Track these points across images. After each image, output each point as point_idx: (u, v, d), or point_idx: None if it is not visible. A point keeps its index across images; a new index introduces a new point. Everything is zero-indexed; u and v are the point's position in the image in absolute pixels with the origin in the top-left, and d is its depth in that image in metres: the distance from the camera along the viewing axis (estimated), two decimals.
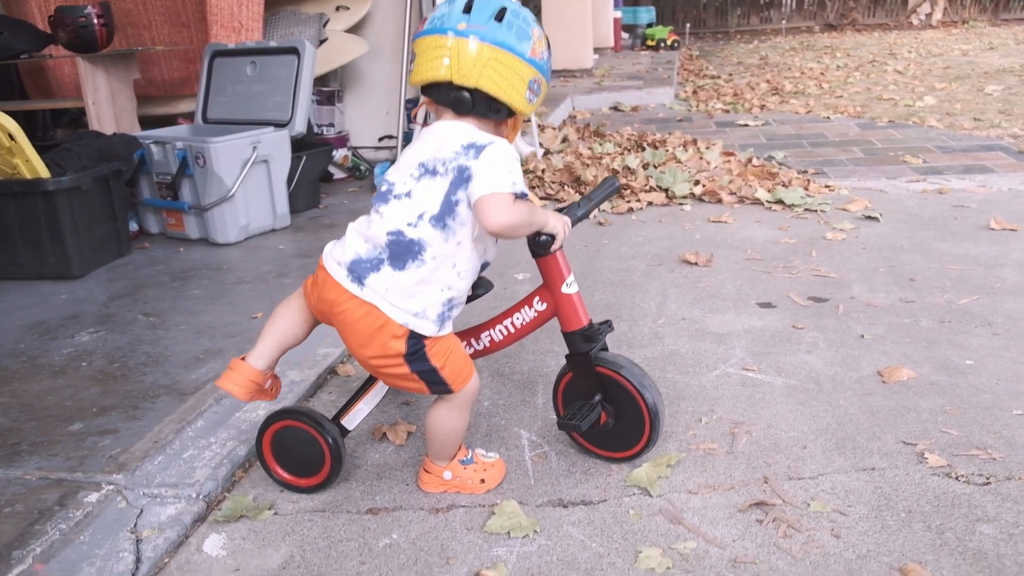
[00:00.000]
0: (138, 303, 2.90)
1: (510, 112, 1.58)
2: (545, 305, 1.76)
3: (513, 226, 1.50)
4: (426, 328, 1.55)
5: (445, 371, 1.60)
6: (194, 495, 1.75)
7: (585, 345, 1.74)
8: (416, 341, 1.56)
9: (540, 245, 1.64)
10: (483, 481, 1.76)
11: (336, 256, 1.59)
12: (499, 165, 1.49)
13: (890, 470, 1.75)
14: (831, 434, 1.91)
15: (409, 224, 1.53)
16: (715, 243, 3.36)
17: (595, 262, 3.21)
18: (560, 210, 1.73)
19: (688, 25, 15.85)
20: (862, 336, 2.42)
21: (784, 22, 16.14)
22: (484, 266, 1.68)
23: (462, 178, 1.50)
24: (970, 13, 15.01)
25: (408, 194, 1.55)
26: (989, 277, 2.83)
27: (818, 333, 2.46)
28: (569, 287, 1.73)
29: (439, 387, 1.62)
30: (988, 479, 1.70)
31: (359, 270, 1.55)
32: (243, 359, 1.70)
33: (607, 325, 1.79)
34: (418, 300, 1.54)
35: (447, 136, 1.55)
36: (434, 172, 1.53)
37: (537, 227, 1.61)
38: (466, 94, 1.52)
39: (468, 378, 1.65)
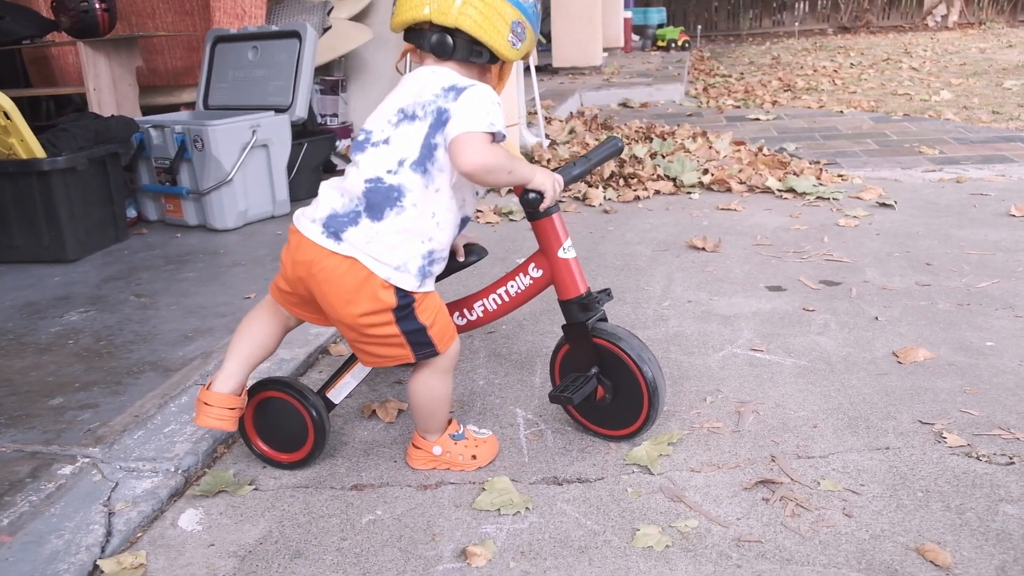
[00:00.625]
0: (131, 285, 2.83)
1: (493, 57, 1.50)
2: (541, 272, 1.67)
3: (487, 167, 1.42)
4: (407, 282, 1.47)
5: (433, 330, 1.53)
6: (172, 469, 1.67)
7: (582, 315, 1.65)
8: (404, 295, 1.48)
9: (529, 203, 1.55)
10: (474, 457, 1.67)
11: (308, 215, 1.52)
12: (478, 106, 1.43)
13: (906, 449, 1.66)
14: (843, 414, 1.81)
15: (388, 171, 1.46)
16: (723, 230, 3.26)
17: (599, 247, 3.13)
18: (555, 169, 1.64)
19: (699, 27, 15.74)
20: (876, 318, 2.32)
21: (797, 24, 16.02)
22: (464, 221, 1.60)
23: (440, 120, 1.43)
24: (987, 14, 14.84)
25: (386, 140, 1.48)
26: (1010, 261, 2.72)
27: (830, 315, 2.37)
28: (566, 252, 1.64)
29: (425, 348, 1.54)
30: (1012, 459, 1.60)
31: (335, 224, 1.47)
32: (208, 387, 1.60)
33: (606, 294, 1.70)
34: (399, 252, 1.46)
35: (428, 80, 1.48)
36: (413, 116, 1.47)
37: (518, 178, 1.53)
38: (448, 37, 1.46)
39: (453, 338, 1.59)
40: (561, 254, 1.64)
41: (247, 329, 1.65)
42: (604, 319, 1.71)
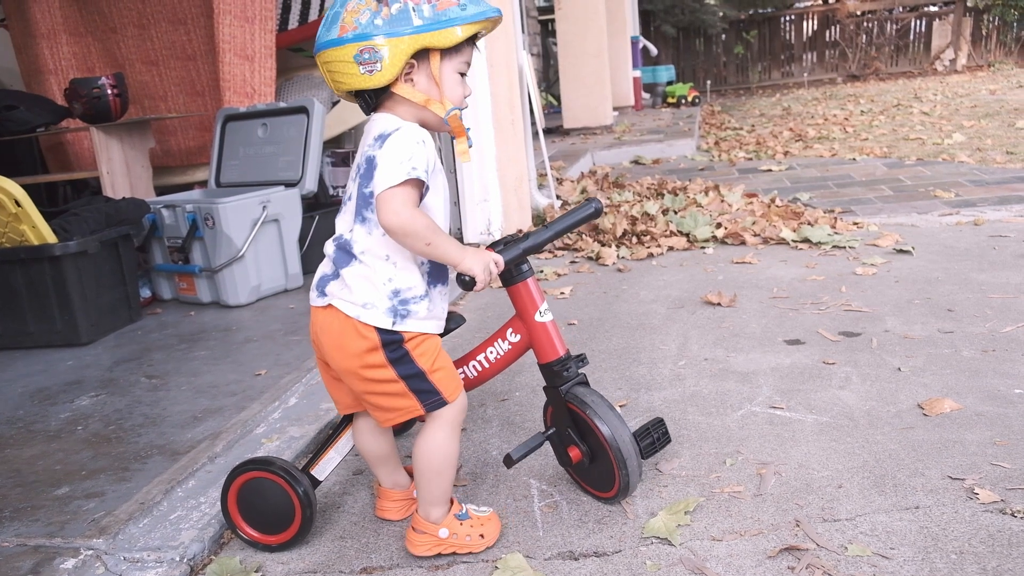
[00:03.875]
0: (142, 366, 2.82)
1: (383, 90, 1.45)
2: (519, 336, 1.67)
3: (403, 230, 1.39)
4: (378, 319, 1.46)
5: (435, 376, 1.51)
6: (177, 558, 1.62)
7: (556, 380, 1.65)
8: (390, 335, 1.47)
9: (464, 284, 1.52)
10: (482, 536, 1.61)
11: (311, 286, 1.58)
12: (397, 154, 1.39)
13: (936, 508, 1.58)
14: (869, 472, 1.73)
15: (348, 228, 1.50)
16: (739, 284, 3.22)
17: (613, 307, 3.08)
18: (499, 243, 1.63)
19: (709, 82, 15.91)
20: (899, 369, 2.25)
21: (806, 75, 16.14)
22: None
23: (371, 169, 1.42)
24: (995, 56, 14.88)
25: (349, 197, 1.51)
26: None
27: (851, 368, 2.30)
28: (542, 316, 1.64)
29: (430, 397, 1.51)
30: None
31: (322, 284, 1.53)
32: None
33: (580, 359, 1.68)
34: (361, 293, 1.47)
35: (369, 129, 1.50)
36: (358, 169, 1.48)
37: (440, 255, 1.46)
38: (359, 97, 1.49)
39: (460, 388, 1.56)
40: (538, 318, 1.64)
41: (357, 443, 1.72)
42: (584, 382, 1.67)
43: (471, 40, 1.46)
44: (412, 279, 1.49)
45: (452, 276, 1.55)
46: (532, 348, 1.67)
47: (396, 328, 1.47)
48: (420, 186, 1.42)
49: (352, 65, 1.40)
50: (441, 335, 1.65)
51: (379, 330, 1.46)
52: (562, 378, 1.65)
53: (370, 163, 1.42)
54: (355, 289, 1.47)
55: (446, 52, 1.43)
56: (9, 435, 2.32)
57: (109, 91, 3.95)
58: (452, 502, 1.62)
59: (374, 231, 1.46)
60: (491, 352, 1.70)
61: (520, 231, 4.24)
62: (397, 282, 1.47)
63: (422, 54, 1.42)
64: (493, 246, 1.63)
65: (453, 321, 1.69)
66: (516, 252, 1.59)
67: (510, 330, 1.68)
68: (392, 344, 1.47)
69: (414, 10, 1.37)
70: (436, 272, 1.54)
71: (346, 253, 1.49)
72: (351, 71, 1.41)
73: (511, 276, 1.63)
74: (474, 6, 1.42)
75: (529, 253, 1.62)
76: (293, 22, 4.85)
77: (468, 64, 1.49)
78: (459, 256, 1.47)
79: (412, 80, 1.44)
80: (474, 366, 1.72)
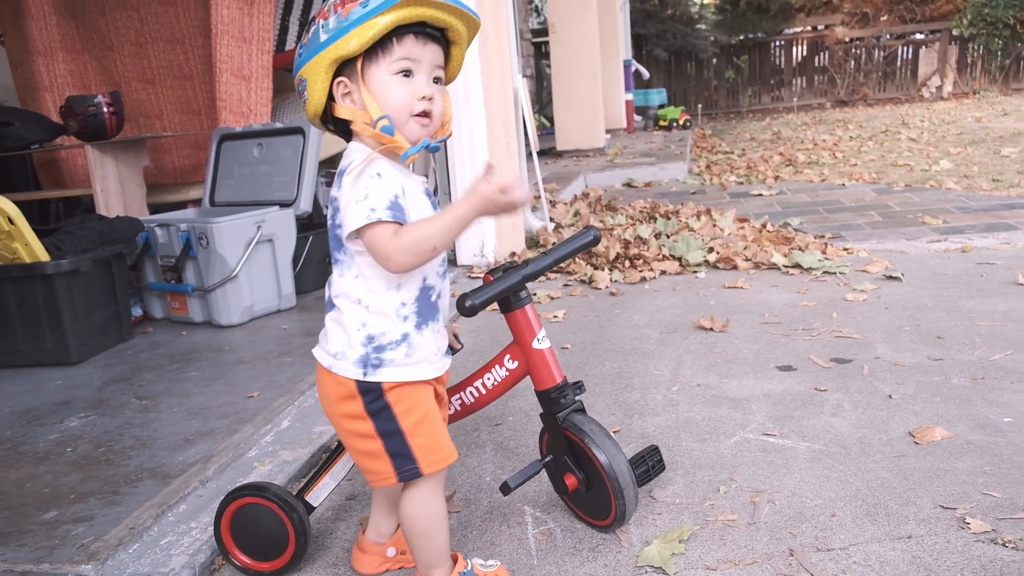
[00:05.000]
0: (133, 387, 2.81)
1: (336, 121, 1.39)
2: (516, 363, 1.66)
3: (407, 264, 1.28)
4: (347, 370, 1.37)
5: (416, 442, 1.39)
6: None
7: (554, 407, 1.65)
8: (369, 385, 1.37)
9: (464, 310, 1.50)
10: None
11: None
12: (353, 194, 1.29)
13: (929, 537, 1.58)
14: (861, 500, 1.74)
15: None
16: (731, 308, 3.23)
17: (606, 331, 3.09)
18: (497, 270, 1.62)
19: (700, 106, 16.05)
20: (890, 396, 2.27)
21: (796, 100, 16.31)
22: (427, 300, 1.41)
23: (335, 211, 1.35)
24: (980, 84, 15.08)
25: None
26: (1022, 332, 2.67)
27: (843, 395, 2.31)
28: (540, 343, 1.63)
29: (405, 464, 1.39)
30: None
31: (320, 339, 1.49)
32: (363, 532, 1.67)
33: (577, 387, 1.68)
34: (335, 341, 1.40)
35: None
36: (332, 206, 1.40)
37: (453, 235, 1.31)
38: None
39: (443, 462, 1.42)
40: (535, 345, 1.63)
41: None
42: (580, 410, 1.68)
43: (422, 33, 1.33)
44: (385, 324, 1.37)
45: (450, 302, 1.54)
46: (529, 375, 1.67)
47: (368, 379, 1.37)
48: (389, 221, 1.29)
49: (300, 99, 1.37)
50: None
51: (357, 382, 1.39)
52: (559, 405, 1.65)
53: (334, 203, 1.35)
54: (330, 337, 1.41)
55: (369, 57, 1.31)
56: None
57: (105, 109, 3.95)
58: (456, 558, 1.53)
59: (346, 273, 1.38)
60: (488, 379, 1.70)
61: (513, 254, 4.25)
62: (371, 327, 1.37)
63: (349, 69, 1.32)
64: (492, 272, 1.63)
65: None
66: (515, 279, 1.60)
67: (507, 356, 1.68)
68: (371, 393, 1.38)
69: (322, 27, 1.29)
70: (424, 310, 1.40)
71: (328, 299, 1.43)
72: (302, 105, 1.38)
73: (509, 303, 1.63)
74: None
75: (528, 280, 1.62)
76: (290, 43, 4.87)
77: (410, 60, 1.32)
78: (464, 215, 1.30)
79: (352, 98, 1.34)
80: (471, 392, 1.72)
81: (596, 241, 1.74)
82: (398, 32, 1.30)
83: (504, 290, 1.59)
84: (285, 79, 4.95)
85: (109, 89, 4.52)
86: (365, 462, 1.43)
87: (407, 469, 1.39)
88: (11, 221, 2.91)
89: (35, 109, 4.59)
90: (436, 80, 1.38)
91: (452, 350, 1.63)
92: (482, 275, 4.03)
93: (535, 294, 3.67)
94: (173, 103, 4.74)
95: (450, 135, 1.45)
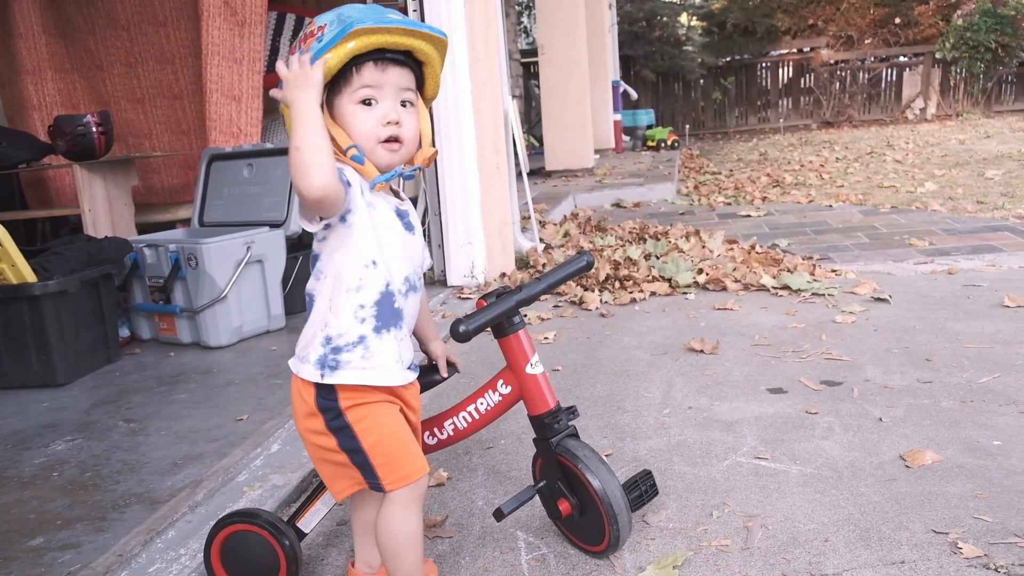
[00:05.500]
0: (120, 409, 2.78)
1: None
2: (510, 388, 1.67)
3: (298, 179, 1.24)
4: (308, 372, 1.39)
5: (376, 460, 1.39)
6: None
7: (547, 432, 1.65)
8: (323, 392, 1.38)
9: (458, 336, 1.52)
10: None
11: None
12: None
13: (922, 563, 1.59)
14: (854, 525, 1.74)
15: None
16: (721, 330, 3.24)
17: (597, 353, 3.10)
18: (491, 295, 1.63)
19: (687, 126, 16.16)
20: (880, 419, 2.27)
21: (782, 120, 16.45)
22: (389, 305, 1.40)
23: None
24: (963, 106, 15.26)
25: None
26: (1009, 354, 2.69)
27: (833, 418, 2.32)
28: (533, 367, 1.64)
29: (369, 476, 1.41)
30: None
31: None
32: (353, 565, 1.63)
33: (571, 412, 1.69)
34: (302, 341, 1.43)
35: None
36: None
37: (296, 124, 1.26)
38: None
39: (409, 479, 1.41)
40: (529, 370, 1.64)
41: (354, 511, 1.63)
42: (574, 435, 1.68)
43: (382, 59, 1.35)
44: (343, 325, 1.38)
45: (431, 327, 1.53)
46: (523, 400, 1.67)
47: (326, 381, 1.37)
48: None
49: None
50: (425, 388, 1.61)
51: (316, 392, 1.39)
52: (553, 430, 1.65)
53: None
54: (302, 339, 1.43)
55: (333, 89, 1.35)
56: None
57: (94, 128, 3.94)
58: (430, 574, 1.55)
59: (320, 276, 1.40)
60: (481, 404, 1.70)
61: (503, 274, 4.26)
62: (330, 327, 1.38)
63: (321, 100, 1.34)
64: (485, 298, 1.64)
65: (449, 371, 1.68)
66: (509, 305, 1.60)
67: (500, 381, 1.68)
68: (330, 411, 1.39)
69: (288, 65, 1.32)
70: (385, 315, 1.40)
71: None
72: None
73: (503, 328, 1.63)
74: (333, 29, 1.31)
75: (522, 306, 1.63)
76: None
77: (371, 87, 1.35)
78: (297, 106, 1.27)
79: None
80: (464, 417, 1.71)
81: (589, 267, 1.74)
82: (357, 61, 1.34)
83: (498, 316, 1.59)
84: (275, 100, 4.96)
85: (98, 108, 4.53)
86: (332, 472, 1.45)
87: (372, 483, 1.42)
88: None
89: (23, 128, 4.57)
90: (405, 103, 1.39)
91: (453, 370, 1.66)
92: (473, 295, 4.04)
93: (525, 315, 3.67)
94: (162, 123, 4.74)
95: (432, 155, 1.45)
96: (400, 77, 1.38)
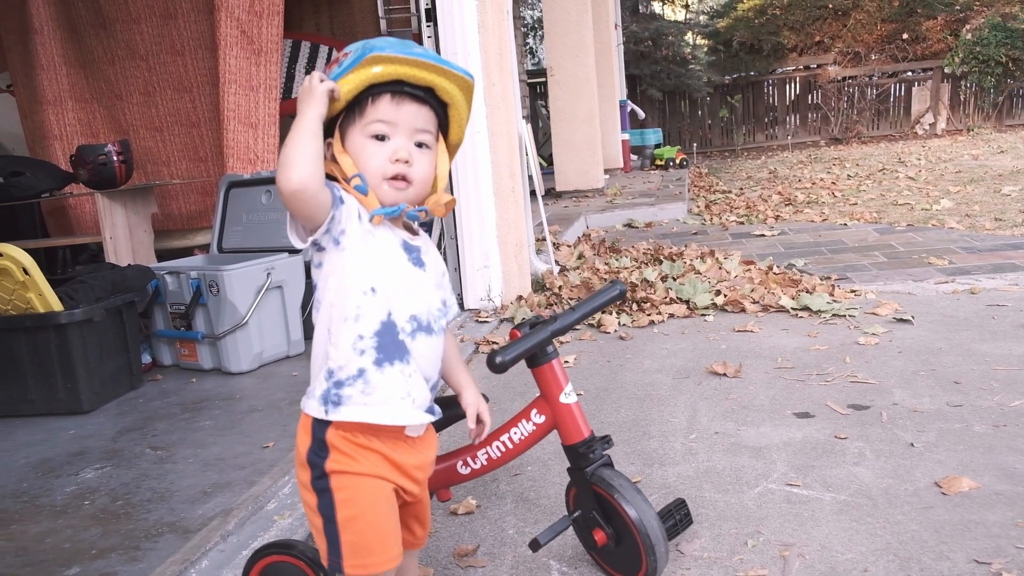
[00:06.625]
0: (147, 437, 2.79)
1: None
2: (544, 417, 1.68)
3: (282, 176, 1.20)
4: (311, 407, 1.31)
5: (345, 534, 1.28)
6: None
7: (582, 461, 1.65)
8: (319, 447, 1.30)
9: (496, 366, 1.51)
10: None
11: None
12: None
13: None
14: (893, 554, 1.73)
15: None
16: (742, 353, 3.23)
17: (618, 377, 3.09)
18: (524, 325, 1.63)
19: (695, 144, 16.20)
20: (912, 444, 2.26)
21: (790, 138, 16.47)
22: (393, 329, 1.31)
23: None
24: (974, 120, 15.26)
25: None
26: None
27: (864, 443, 2.31)
28: (567, 397, 1.65)
29: (332, 551, 1.30)
30: None
31: None
32: None
33: (605, 441, 1.69)
34: (311, 374, 1.36)
35: None
36: None
37: (298, 131, 1.23)
38: None
39: (370, 568, 1.30)
40: (563, 399, 1.65)
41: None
42: (609, 464, 1.68)
43: (400, 92, 1.31)
44: (343, 356, 1.29)
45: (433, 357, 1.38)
46: (556, 429, 1.68)
47: (331, 418, 1.29)
48: None
49: None
50: (443, 425, 1.55)
51: (311, 443, 1.31)
52: (587, 460, 1.65)
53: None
54: (311, 373, 1.37)
55: (348, 117, 1.32)
56: (14, 510, 2.28)
57: (115, 158, 3.99)
58: None
59: (319, 305, 1.34)
60: (515, 433, 1.70)
61: (520, 297, 4.26)
62: (332, 359, 1.30)
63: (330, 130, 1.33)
64: (519, 327, 1.64)
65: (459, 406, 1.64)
66: (544, 335, 1.61)
67: (534, 411, 1.69)
68: (316, 469, 1.30)
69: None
70: (387, 347, 1.30)
71: None
72: None
73: (537, 358, 1.64)
74: (355, 54, 1.28)
75: (556, 336, 1.63)
76: (295, 90, 4.92)
77: (384, 122, 1.30)
78: (301, 116, 1.25)
79: (334, 158, 1.33)
80: (497, 447, 1.72)
81: (622, 295, 1.75)
82: (375, 91, 1.30)
83: (533, 346, 1.60)
84: (291, 126, 5.00)
85: (117, 137, 4.57)
86: (315, 536, 1.35)
87: (332, 561, 1.31)
88: (26, 271, 2.92)
89: (44, 158, 4.62)
90: (420, 145, 1.33)
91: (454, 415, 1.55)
92: (490, 318, 4.04)
93: None
94: (180, 150, 4.79)
95: (449, 203, 1.36)
96: (416, 116, 1.32)
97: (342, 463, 1.29)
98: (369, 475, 1.30)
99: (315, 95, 1.24)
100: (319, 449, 1.30)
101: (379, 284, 1.30)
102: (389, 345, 1.30)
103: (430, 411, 1.37)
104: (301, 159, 1.19)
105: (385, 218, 1.31)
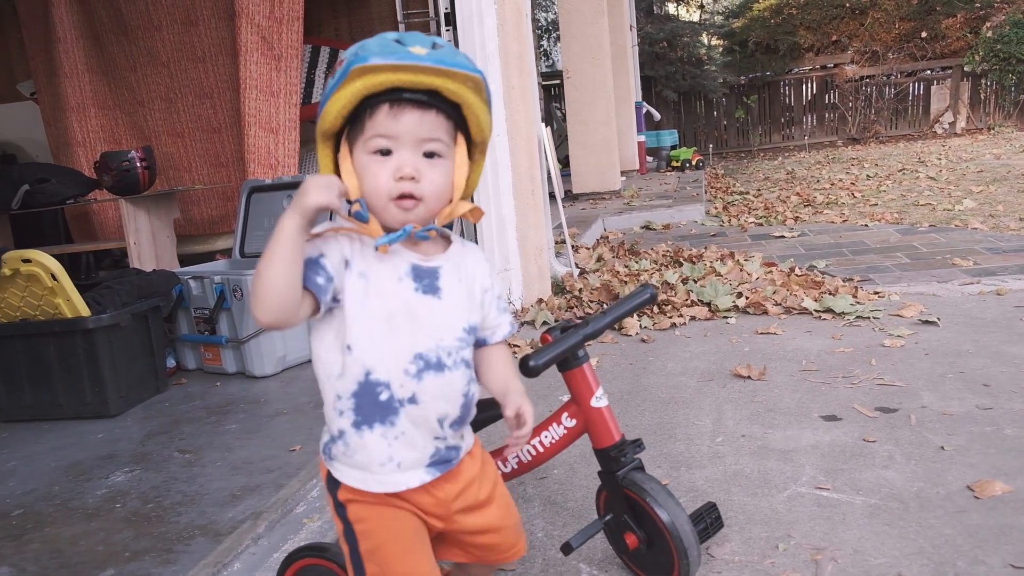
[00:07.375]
0: (174, 440, 2.81)
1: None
2: (575, 421, 1.68)
3: (257, 307, 1.11)
4: (321, 448, 1.29)
5: (369, 565, 1.24)
6: None
7: (613, 465, 1.66)
8: (331, 480, 1.27)
9: (528, 370, 1.52)
10: None
11: None
12: None
13: None
14: (927, 559, 1.72)
15: None
16: (766, 355, 3.22)
17: (642, 380, 3.09)
18: (555, 329, 1.63)
19: (711, 145, 16.15)
20: (942, 448, 2.24)
21: (807, 138, 16.39)
22: (374, 389, 1.21)
23: None
24: (994, 119, 15.12)
25: None
26: None
27: (893, 446, 2.29)
28: (599, 400, 1.65)
29: (358, 574, 1.26)
30: None
31: None
32: None
33: (636, 444, 1.69)
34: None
35: None
36: None
37: (280, 239, 1.11)
38: None
39: None
40: (594, 403, 1.65)
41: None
42: (640, 467, 1.68)
43: (399, 100, 1.15)
44: (328, 413, 1.24)
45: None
46: (588, 433, 1.68)
47: (328, 468, 1.27)
48: None
49: None
50: (481, 425, 1.55)
51: (326, 471, 1.29)
52: (619, 464, 1.65)
53: None
54: None
55: (352, 132, 1.18)
56: (47, 512, 2.30)
57: (138, 164, 4.02)
58: None
59: (316, 361, 1.26)
60: (546, 437, 1.71)
61: (541, 300, 4.26)
62: (333, 426, 1.25)
63: (341, 146, 1.20)
64: (550, 331, 1.65)
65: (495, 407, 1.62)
66: (576, 339, 1.61)
67: (566, 415, 1.69)
68: (334, 497, 1.27)
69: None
70: (365, 409, 1.20)
71: None
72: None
73: (568, 362, 1.64)
74: (339, 70, 1.14)
75: (588, 340, 1.64)
76: (316, 95, 4.95)
77: (383, 136, 1.15)
78: (281, 225, 1.11)
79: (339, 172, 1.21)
80: (528, 451, 1.73)
81: (653, 299, 1.75)
82: (371, 103, 1.14)
83: (565, 350, 1.60)
84: (312, 130, 5.03)
85: (140, 143, 4.62)
86: (345, 557, 1.31)
87: None
88: (54, 277, 2.95)
89: (68, 164, 4.67)
90: (431, 155, 1.18)
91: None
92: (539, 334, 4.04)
93: None
94: (201, 156, 4.82)
95: (470, 211, 1.26)
96: (420, 124, 1.15)
97: (352, 493, 1.25)
98: (379, 503, 1.24)
99: (296, 204, 1.12)
100: (332, 483, 1.27)
101: (355, 341, 1.18)
102: (367, 407, 1.20)
103: (441, 460, 1.27)
104: (271, 299, 1.09)
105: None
